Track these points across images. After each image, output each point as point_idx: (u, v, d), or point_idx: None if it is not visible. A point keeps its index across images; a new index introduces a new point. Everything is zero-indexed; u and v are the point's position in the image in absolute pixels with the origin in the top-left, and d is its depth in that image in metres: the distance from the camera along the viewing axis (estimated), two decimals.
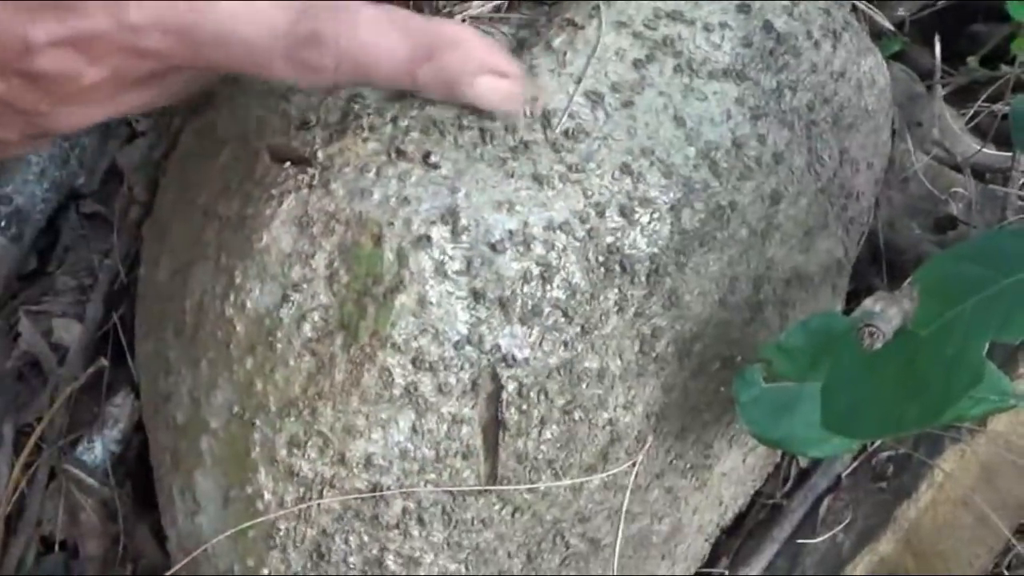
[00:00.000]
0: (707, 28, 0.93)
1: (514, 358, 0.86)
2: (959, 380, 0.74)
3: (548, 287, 0.85)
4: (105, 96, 0.73)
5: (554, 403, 0.87)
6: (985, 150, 1.25)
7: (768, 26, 0.95)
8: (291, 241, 0.86)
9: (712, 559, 1.13)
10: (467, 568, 0.91)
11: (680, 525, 1.02)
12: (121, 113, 0.76)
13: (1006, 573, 1.11)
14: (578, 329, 0.87)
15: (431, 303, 0.84)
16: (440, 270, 0.84)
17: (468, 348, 0.85)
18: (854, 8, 1.09)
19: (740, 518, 1.14)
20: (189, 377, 0.92)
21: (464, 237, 0.84)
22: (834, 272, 1.02)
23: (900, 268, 1.18)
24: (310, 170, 0.87)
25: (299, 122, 0.89)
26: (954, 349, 0.75)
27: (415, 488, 0.87)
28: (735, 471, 1.05)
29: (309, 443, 0.86)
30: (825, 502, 1.13)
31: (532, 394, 0.86)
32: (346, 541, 0.89)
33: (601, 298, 0.87)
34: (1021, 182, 1.20)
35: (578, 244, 0.86)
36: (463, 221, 0.84)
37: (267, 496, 0.88)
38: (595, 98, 0.88)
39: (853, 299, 1.08)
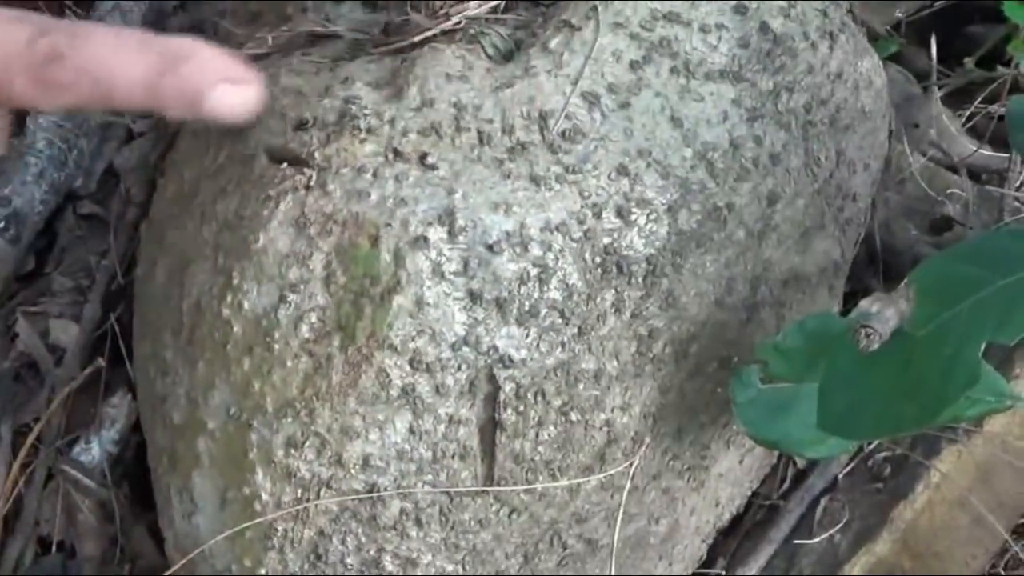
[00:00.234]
0: (704, 29, 0.93)
1: (511, 359, 0.86)
2: (955, 381, 0.74)
3: (545, 288, 0.85)
4: None
5: (551, 404, 0.87)
6: (981, 151, 1.25)
7: (765, 27, 0.95)
8: (288, 242, 0.86)
9: (709, 560, 1.13)
10: (464, 569, 0.92)
11: (677, 526, 1.02)
12: None
13: (1003, 574, 1.11)
14: (575, 330, 0.87)
15: (428, 304, 0.84)
16: (437, 271, 0.84)
17: (465, 349, 0.85)
18: (851, 9, 1.09)
19: (737, 519, 1.14)
20: (186, 378, 0.92)
21: (461, 238, 0.84)
22: (831, 273, 1.02)
23: (897, 269, 1.18)
24: (307, 171, 0.87)
25: (296, 123, 0.89)
26: (951, 350, 0.75)
27: (412, 489, 0.87)
28: (732, 472, 1.06)
29: (306, 444, 0.86)
30: (822, 503, 1.13)
31: (529, 395, 0.86)
32: (343, 542, 0.89)
33: (598, 299, 0.87)
34: (1017, 183, 1.20)
35: (575, 245, 0.86)
36: (460, 222, 0.84)
37: (264, 497, 0.88)
38: (592, 99, 0.88)
39: (850, 300, 1.08)
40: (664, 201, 0.88)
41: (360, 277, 0.84)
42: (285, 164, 0.88)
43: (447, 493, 0.88)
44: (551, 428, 0.88)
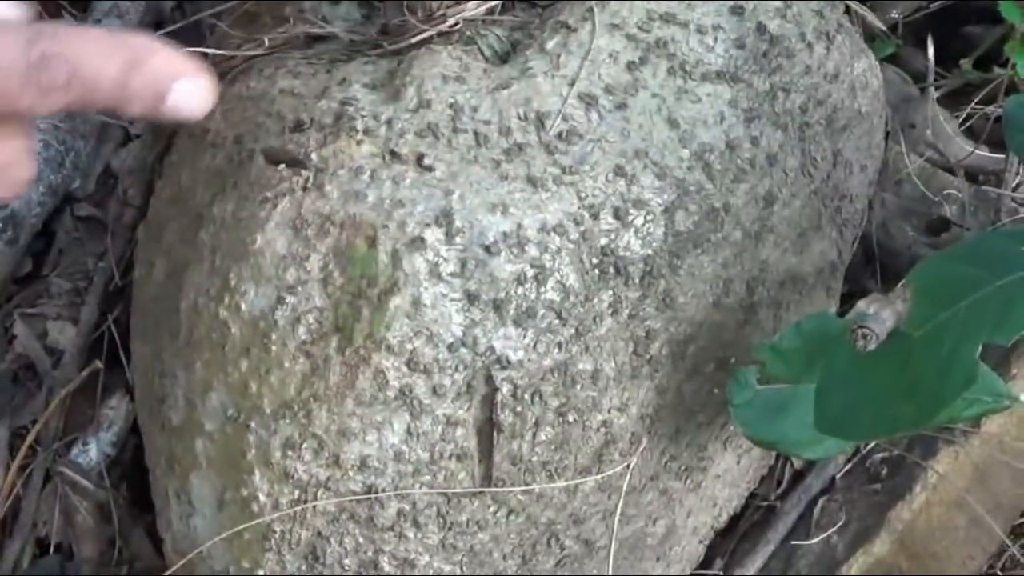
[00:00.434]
0: (700, 30, 0.93)
1: (508, 360, 0.86)
2: (953, 381, 0.74)
3: (542, 289, 0.85)
4: None
5: (548, 405, 0.87)
6: (978, 152, 1.25)
7: (761, 28, 0.95)
8: (285, 243, 0.86)
9: (707, 560, 1.13)
10: (462, 570, 0.92)
11: (675, 527, 1.02)
12: None
13: (1000, 574, 1.11)
14: (572, 331, 0.87)
15: (425, 305, 0.84)
16: (434, 272, 0.84)
17: (462, 350, 0.85)
18: (847, 10, 1.09)
19: (734, 520, 1.14)
20: (184, 379, 0.92)
21: (458, 239, 0.84)
22: (828, 274, 1.02)
23: (894, 270, 1.18)
24: (304, 172, 0.87)
25: (293, 124, 0.89)
26: (948, 350, 0.75)
27: (410, 490, 0.87)
28: (729, 473, 1.06)
29: (304, 445, 0.86)
30: (819, 504, 1.13)
31: (526, 396, 0.86)
32: (341, 543, 0.89)
33: (595, 300, 0.87)
34: (1014, 184, 1.20)
35: (572, 246, 0.86)
36: (457, 223, 0.84)
37: (262, 498, 0.88)
38: (589, 100, 0.88)
39: (847, 301, 1.08)
40: (661, 202, 0.88)
41: (357, 278, 0.84)
42: (282, 166, 0.88)
43: (445, 494, 0.88)
44: (548, 429, 0.88)
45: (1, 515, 1.19)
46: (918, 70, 1.32)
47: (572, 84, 0.88)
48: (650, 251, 0.88)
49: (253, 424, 0.87)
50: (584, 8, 0.92)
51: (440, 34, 0.92)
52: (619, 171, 0.87)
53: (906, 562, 1.08)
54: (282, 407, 0.86)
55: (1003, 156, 1.23)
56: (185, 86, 0.70)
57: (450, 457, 0.87)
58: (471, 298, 0.84)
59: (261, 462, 0.87)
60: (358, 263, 0.84)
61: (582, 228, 0.86)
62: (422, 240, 0.84)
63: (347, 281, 0.85)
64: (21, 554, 1.20)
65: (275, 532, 0.89)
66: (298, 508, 0.88)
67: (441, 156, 0.85)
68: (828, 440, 0.87)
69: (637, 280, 0.88)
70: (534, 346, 0.86)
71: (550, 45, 0.90)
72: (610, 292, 0.87)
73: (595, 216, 0.86)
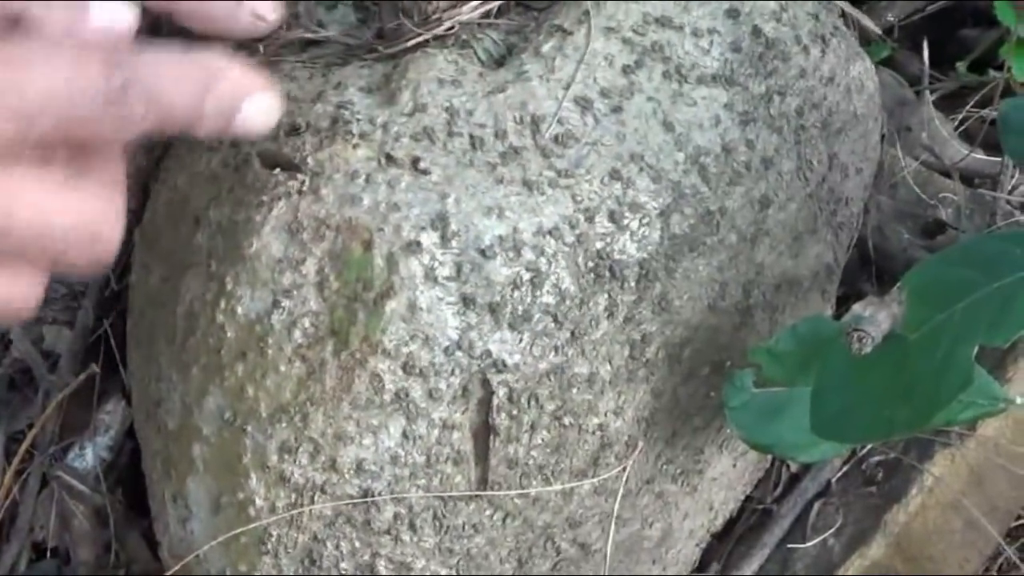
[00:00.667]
0: (696, 34, 0.93)
1: (504, 363, 0.86)
2: (948, 384, 0.74)
3: (538, 292, 0.85)
4: None
5: (544, 408, 0.87)
6: (974, 155, 1.25)
7: (757, 31, 0.95)
8: (281, 247, 0.86)
9: (703, 564, 1.13)
10: (458, 573, 0.92)
11: (671, 530, 1.02)
12: None
13: None
14: (568, 334, 0.87)
15: (421, 309, 0.84)
16: (430, 276, 0.84)
17: (458, 354, 0.85)
18: (843, 14, 1.09)
19: (731, 523, 1.14)
20: (180, 383, 0.92)
21: (454, 243, 0.84)
22: (824, 277, 1.02)
23: (889, 273, 1.18)
24: (300, 176, 0.87)
25: (289, 128, 0.89)
26: (943, 353, 0.75)
27: (406, 494, 0.87)
28: (725, 476, 1.06)
29: (300, 449, 0.86)
30: (815, 507, 1.13)
31: (522, 399, 0.87)
32: (337, 547, 0.89)
33: (591, 303, 0.87)
34: (1010, 187, 1.20)
35: (568, 249, 0.86)
36: (453, 227, 0.84)
37: (259, 502, 0.88)
38: (584, 104, 0.88)
39: (843, 304, 1.08)
40: (657, 205, 0.88)
41: (353, 282, 0.84)
42: (278, 169, 0.88)
43: (441, 498, 0.88)
44: (544, 432, 0.88)
45: None
46: (914, 73, 1.32)
47: (567, 88, 0.88)
48: (646, 254, 0.88)
49: (249, 428, 0.87)
50: (580, 11, 0.92)
51: (436, 38, 0.92)
52: (615, 174, 0.87)
53: (902, 565, 1.08)
54: (278, 411, 0.86)
55: (999, 159, 1.23)
56: (255, 104, 0.70)
57: (446, 461, 0.87)
58: (467, 302, 0.84)
59: (257, 466, 0.87)
60: (354, 267, 0.84)
61: (578, 231, 0.86)
62: (418, 244, 0.84)
63: (343, 285, 0.85)
64: (18, 558, 1.20)
65: (271, 536, 0.89)
66: (294, 512, 0.88)
67: (437, 160, 0.86)
68: (824, 443, 0.87)
69: (633, 283, 0.88)
70: (530, 350, 0.86)
71: (546, 49, 0.90)
72: (606, 295, 0.87)
73: (591, 219, 0.86)
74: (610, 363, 0.89)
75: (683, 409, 0.95)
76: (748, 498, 1.14)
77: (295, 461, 0.86)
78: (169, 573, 0.97)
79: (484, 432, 0.87)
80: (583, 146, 0.87)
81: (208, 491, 0.91)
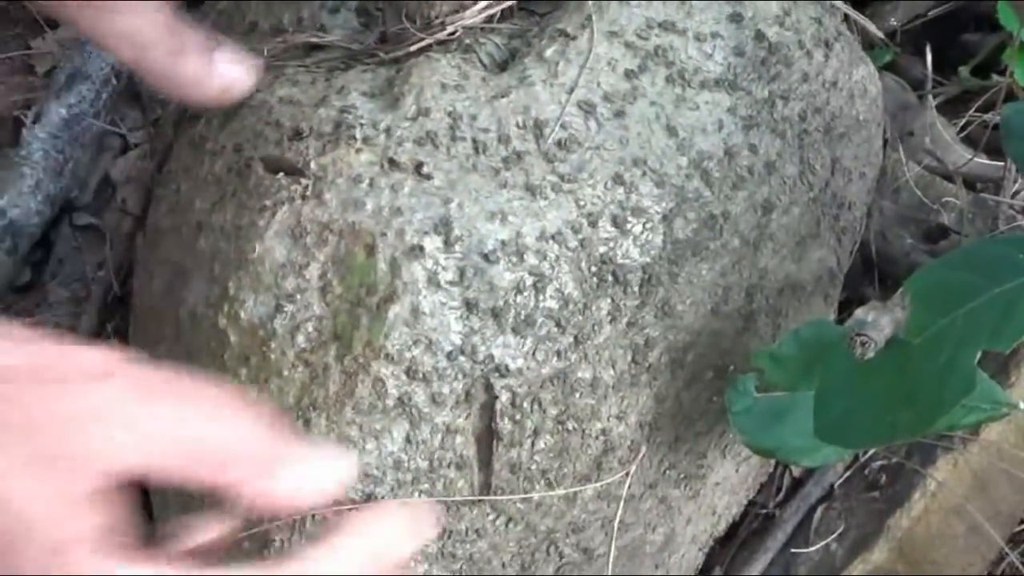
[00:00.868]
0: (699, 38, 0.93)
1: (507, 368, 0.86)
2: (951, 389, 0.74)
3: (541, 297, 0.85)
4: None
5: (547, 413, 0.87)
6: (977, 159, 1.25)
7: (760, 36, 0.95)
8: (284, 252, 0.86)
9: (706, 568, 1.13)
10: None
11: (674, 535, 1.02)
12: None
13: None
14: (571, 339, 0.87)
15: (424, 313, 0.84)
16: (433, 280, 0.84)
17: (461, 358, 0.85)
18: (846, 18, 1.09)
19: (733, 528, 1.14)
20: None
21: (457, 247, 0.84)
22: (826, 281, 1.02)
23: (892, 277, 1.18)
24: (303, 180, 0.87)
25: (292, 132, 0.89)
26: (946, 357, 0.75)
27: (409, 499, 0.87)
28: (728, 481, 1.06)
29: None
30: (818, 511, 1.13)
31: (525, 404, 0.86)
32: None
33: (594, 308, 0.87)
34: (1012, 191, 1.21)
35: (571, 254, 0.86)
36: (456, 231, 0.84)
37: None
38: (587, 108, 0.88)
39: (845, 308, 1.08)
40: (660, 210, 0.88)
41: (356, 287, 0.84)
42: (281, 174, 0.88)
43: (443, 502, 0.88)
44: (547, 437, 0.88)
45: None
46: (916, 78, 1.32)
47: (571, 92, 0.88)
48: (649, 259, 0.88)
49: None
50: (583, 16, 0.92)
51: (439, 42, 0.92)
52: (618, 179, 0.87)
53: (905, 569, 1.08)
54: (281, 415, 0.86)
55: (1001, 163, 1.23)
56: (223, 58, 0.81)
57: (449, 465, 0.87)
58: (470, 306, 0.84)
59: None
60: (357, 271, 0.84)
61: (581, 236, 0.86)
62: (421, 248, 0.84)
63: (346, 289, 0.85)
64: None
65: (274, 541, 0.89)
66: (296, 517, 0.88)
67: (440, 164, 0.86)
68: (827, 447, 0.87)
69: (636, 288, 0.88)
70: (533, 354, 0.86)
71: (549, 53, 0.90)
72: (609, 300, 0.87)
73: (593, 224, 0.86)
74: (613, 368, 0.89)
75: (686, 414, 0.95)
76: (751, 503, 1.14)
77: None
78: None
79: (487, 437, 0.87)
80: (586, 151, 0.87)
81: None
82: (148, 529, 0.58)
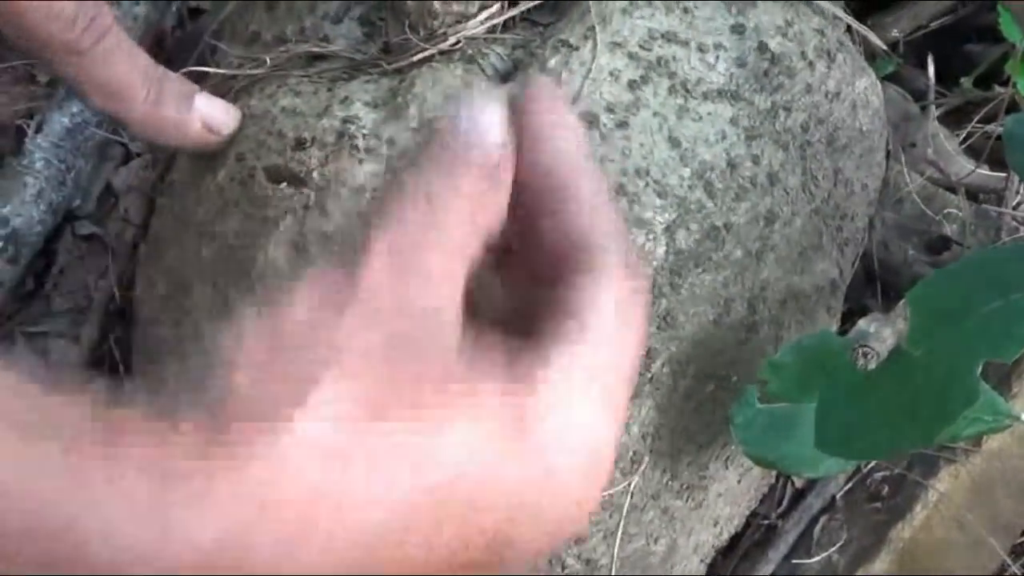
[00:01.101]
0: (701, 49, 0.93)
1: None
2: (953, 400, 0.74)
3: None
4: None
5: None
6: (979, 171, 1.25)
7: (762, 47, 0.95)
8: (287, 262, 0.86)
9: None
10: None
11: (676, 546, 1.02)
12: None
13: None
14: None
15: None
16: None
17: None
18: (848, 29, 1.09)
19: (735, 538, 1.14)
20: None
21: None
22: (828, 293, 1.02)
23: (894, 288, 1.18)
24: (306, 191, 0.87)
25: (295, 142, 0.89)
26: (948, 369, 0.75)
27: None
28: (730, 491, 1.05)
29: None
30: (820, 522, 1.13)
31: None
32: None
33: None
34: (1015, 202, 1.20)
35: None
36: None
37: None
38: (590, 119, 0.88)
39: (847, 320, 1.08)
40: (662, 221, 0.88)
41: None
42: (284, 184, 0.88)
43: None
44: None
45: None
46: (919, 89, 1.32)
47: (573, 103, 0.88)
48: (651, 270, 0.88)
49: None
50: (586, 27, 0.92)
51: (442, 53, 0.92)
52: (620, 190, 0.87)
53: None
54: None
55: (1004, 175, 1.23)
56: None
57: None
58: None
59: None
60: None
61: None
62: None
63: None
64: None
65: None
66: None
67: None
68: (829, 459, 0.87)
69: None
70: None
71: (552, 64, 0.90)
72: None
73: None
74: None
75: (688, 425, 0.95)
76: (753, 514, 1.14)
77: None
78: None
79: None
80: None
81: None
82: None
